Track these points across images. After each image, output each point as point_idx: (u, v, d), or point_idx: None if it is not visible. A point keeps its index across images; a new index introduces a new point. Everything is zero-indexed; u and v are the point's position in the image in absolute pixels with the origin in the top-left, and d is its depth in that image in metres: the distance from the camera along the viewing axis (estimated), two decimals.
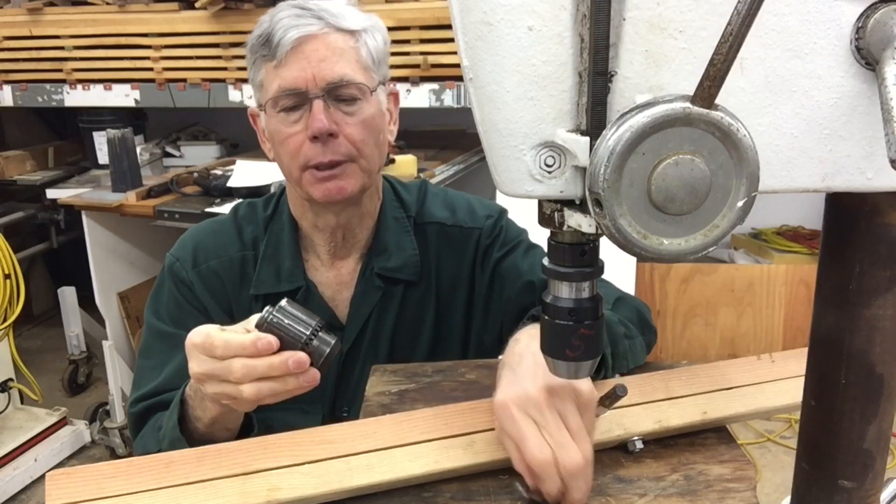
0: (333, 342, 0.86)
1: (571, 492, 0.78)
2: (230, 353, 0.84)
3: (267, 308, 0.86)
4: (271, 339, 0.83)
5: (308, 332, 0.84)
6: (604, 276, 1.21)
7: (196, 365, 0.88)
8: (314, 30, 1.07)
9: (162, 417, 1.04)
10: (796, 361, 0.98)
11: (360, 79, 1.10)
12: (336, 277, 1.24)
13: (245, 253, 1.22)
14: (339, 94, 1.09)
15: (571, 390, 0.80)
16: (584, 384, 0.81)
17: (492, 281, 1.25)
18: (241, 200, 1.33)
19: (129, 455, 2.92)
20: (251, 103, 1.27)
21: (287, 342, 0.84)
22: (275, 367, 0.83)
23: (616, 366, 1.00)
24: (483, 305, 1.26)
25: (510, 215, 1.32)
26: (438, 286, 1.26)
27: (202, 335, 0.87)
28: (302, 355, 0.83)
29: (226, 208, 2.50)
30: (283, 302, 0.87)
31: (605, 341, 0.99)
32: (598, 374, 0.97)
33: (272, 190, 2.44)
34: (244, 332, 0.87)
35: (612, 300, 1.12)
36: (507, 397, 0.81)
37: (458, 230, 1.27)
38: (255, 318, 0.87)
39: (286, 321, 0.85)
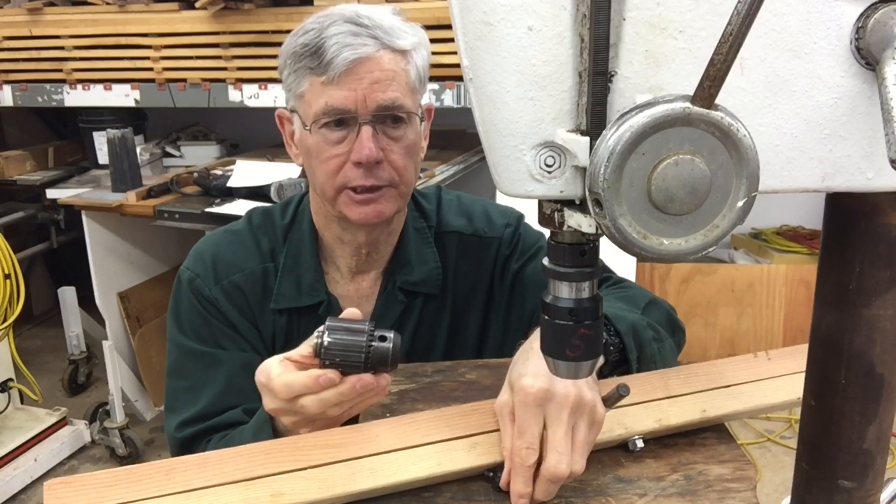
0: (390, 345, 0.84)
1: (538, 492, 0.80)
2: (294, 394, 0.85)
3: (317, 332, 0.85)
4: (331, 375, 0.83)
5: (364, 350, 0.83)
6: (629, 279, 1.22)
7: (268, 402, 0.89)
8: (370, 51, 1.03)
9: (232, 437, 1.04)
10: (792, 358, 0.98)
11: (408, 104, 1.08)
12: (357, 291, 1.22)
13: (266, 265, 1.19)
14: (386, 118, 1.08)
15: (593, 406, 0.81)
16: (601, 407, 0.82)
17: (512, 291, 1.24)
18: (254, 207, 1.29)
19: (129, 455, 2.94)
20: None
21: (348, 365, 0.84)
22: (345, 394, 0.83)
23: (642, 369, 0.99)
24: (503, 315, 1.25)
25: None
26: (454, 296, 1.24)
27: (265, 375, 0.88)
28: (367, 377, 0.83)
29: (226, 208, 2.50)
30: (329, 322, 0.85)
31: (631, 346, 0.99)
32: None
33: (272, 190, 2.45)
34: (300, 360, 0.87)
35: (643, 304, 1.11)
36: (538, 385, 0.80)
37: (477, 240, 1.25)
38: (309, 342, 0.86)
39: (341, 343, 0.84)
